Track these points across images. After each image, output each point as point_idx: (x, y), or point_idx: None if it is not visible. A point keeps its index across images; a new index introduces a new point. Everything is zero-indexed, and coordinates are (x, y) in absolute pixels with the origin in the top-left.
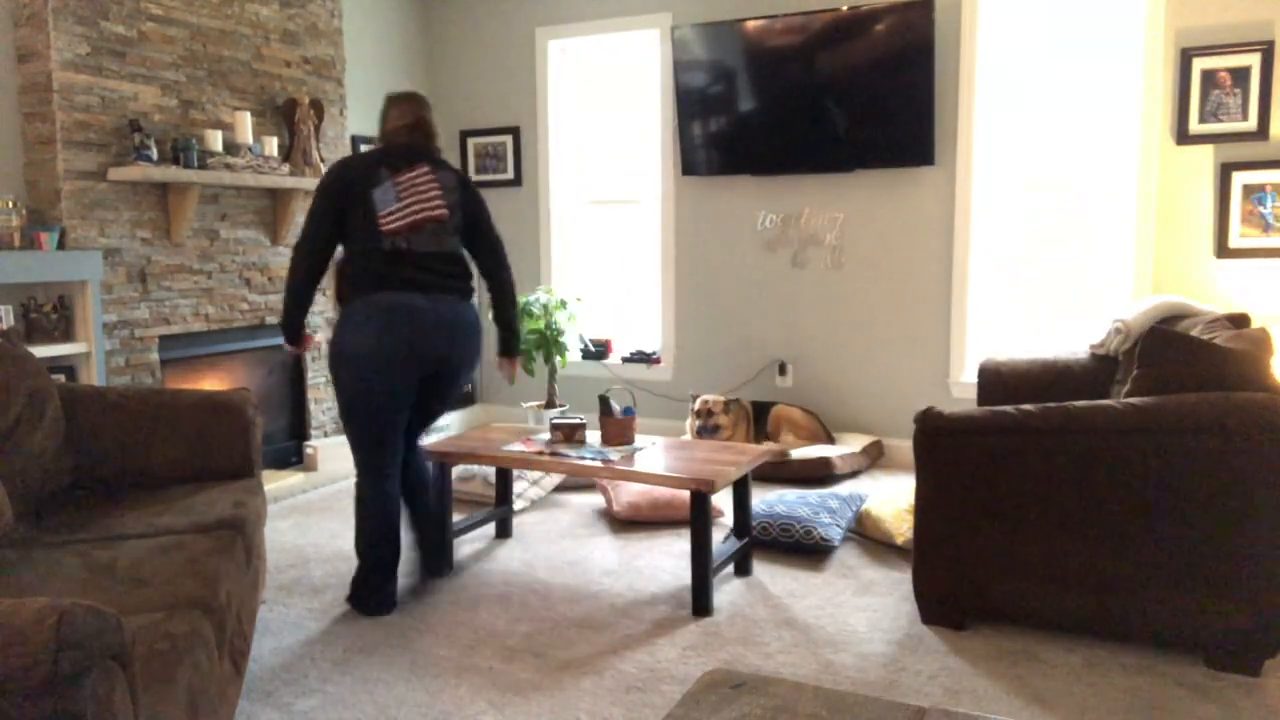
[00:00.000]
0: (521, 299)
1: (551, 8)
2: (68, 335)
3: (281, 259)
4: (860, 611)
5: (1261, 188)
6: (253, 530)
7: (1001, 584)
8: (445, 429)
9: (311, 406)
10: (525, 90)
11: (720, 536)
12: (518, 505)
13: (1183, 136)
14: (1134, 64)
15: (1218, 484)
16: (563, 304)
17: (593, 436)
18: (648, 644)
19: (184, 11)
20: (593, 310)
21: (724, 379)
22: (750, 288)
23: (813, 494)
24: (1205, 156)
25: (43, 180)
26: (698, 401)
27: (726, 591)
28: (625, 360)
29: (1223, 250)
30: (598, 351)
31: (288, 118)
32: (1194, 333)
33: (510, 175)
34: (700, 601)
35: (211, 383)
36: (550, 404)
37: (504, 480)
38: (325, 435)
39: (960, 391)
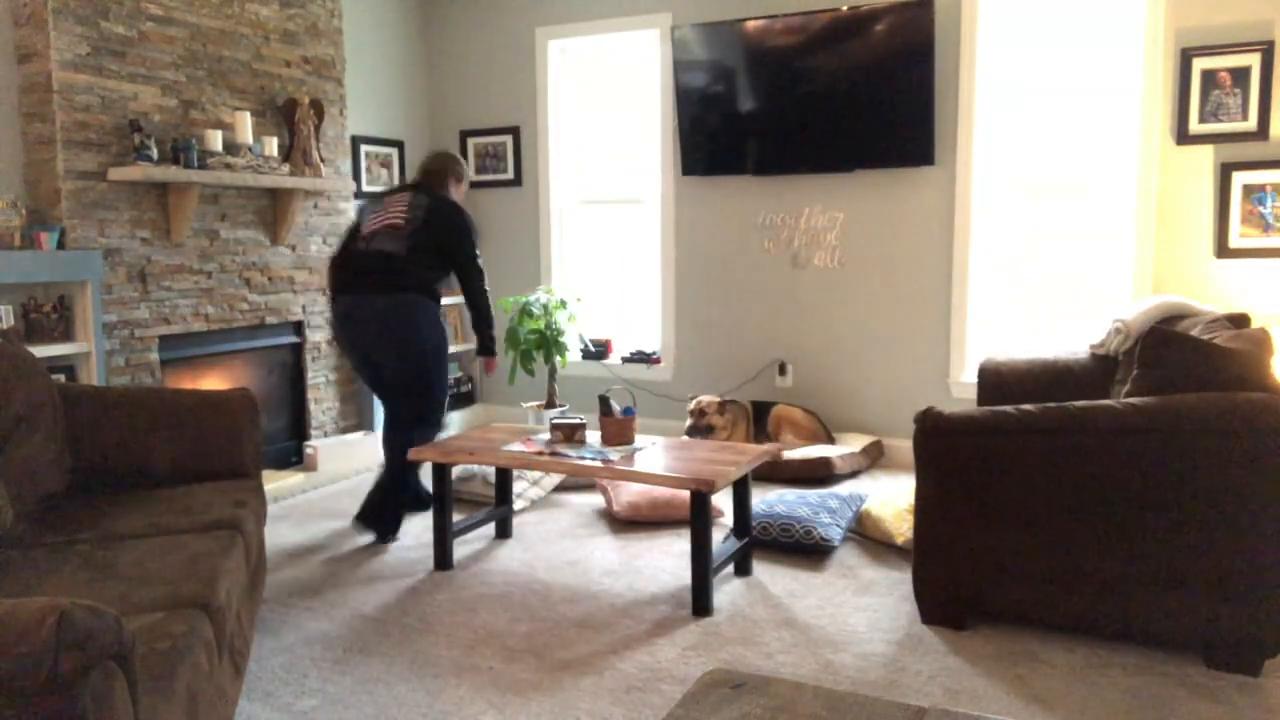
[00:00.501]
0: (521, 299)
1: (551, 8)
2: (68, 335)
3: (281, 259)
4: (860, 611)
5: (1261, 188)
6: (253, 530)
7: (1001, 584)
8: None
9: (311, 406)
10: (525, 90)
11: (720, 536)
12: (518, 505)
13: (1183, 136)
14: (1134, 64)
15: (1218, 484)
16: (563, 304)
17: (593, 436)
18: (648, 644)
19: (184, 11)
20: (593, 310)
21: (724, 379)
22: (750, 288)
23: (813, 494)
24: (1205, 156)
25: (43, 180)
26: (693, 402)
27: (726, 591)
28: (625, 360)
29: (1223, 250)
30: (598, 351)
31: (288, 118)
32: (1194, 333)
33: (510, 175)
34: (700, 601)
35: (211, 383)
36: (550, 404)
37: (504, 480)
38: (325, 435)
39: (960, 391)
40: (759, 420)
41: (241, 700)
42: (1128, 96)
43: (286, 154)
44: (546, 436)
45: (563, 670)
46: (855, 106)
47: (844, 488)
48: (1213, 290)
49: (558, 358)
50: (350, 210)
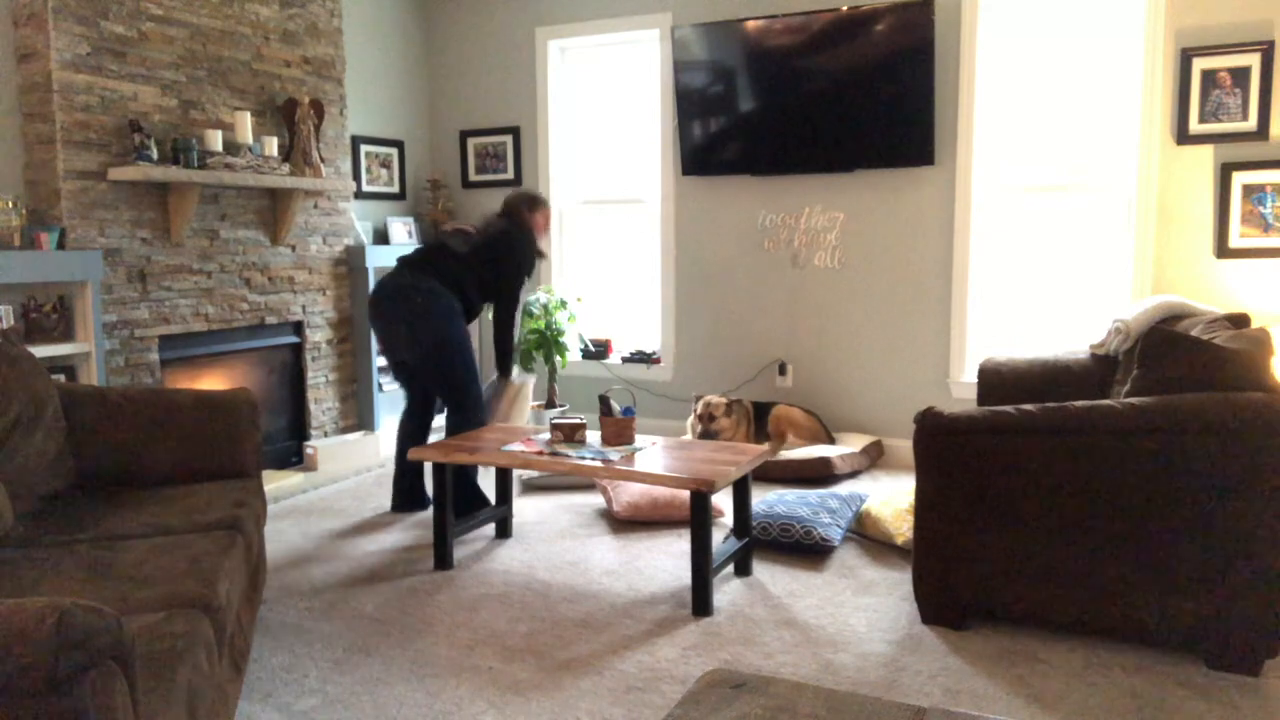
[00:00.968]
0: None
1: (551, 8)
2: (68, 335)
3: (281, 259)
4: (860, 611)
5: (1261, 188)
6: (253, 530)
7: (1001, 584)
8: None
9: (311, 406)
10: (525, 90)
11: (720, 536)
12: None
13: (1183, 136)
14: (1134, 64)
15: (1218, 484)
16: (563, 304)
17: (593, 436)
18: (648, 644)
19: (184, 11)
20: (593, 310)
21: (724, 379)
22: (750, 288)
23: (813, 494)
24: (1205, 156)
25: (43, 180)
26: (700, 403)
27: (726, 591)
28: (625, 360)
29: (1223, 250)
30: (598, 351)
31: (288, 118)
32: (1194, 333)
33: (510, 175)
34: (700, 601)
35: (211, 383)
36: (550, 404)
37: (504, 480)
38: (325, 435)
39: (960, 391)
40: (759, 420)
41: (241, 700)
42: (1128, 96)
43: (286, 154)
44: (546, 436)
45: (563, 670)
46: (855, 106)
47: (844, 488)
48: (1213, 290)
49: (558, 358)
50: (350, 210)
